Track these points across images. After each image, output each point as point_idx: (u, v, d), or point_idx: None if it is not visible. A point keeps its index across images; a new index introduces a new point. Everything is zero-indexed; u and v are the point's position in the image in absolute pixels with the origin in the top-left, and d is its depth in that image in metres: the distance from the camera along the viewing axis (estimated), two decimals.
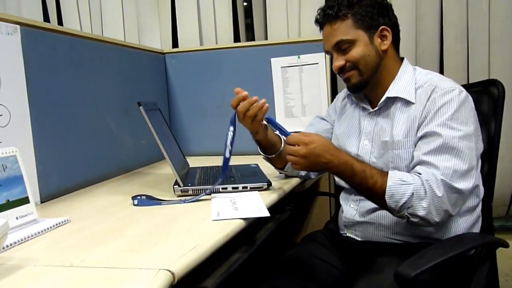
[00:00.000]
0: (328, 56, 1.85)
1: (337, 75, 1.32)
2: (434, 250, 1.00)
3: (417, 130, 1.17)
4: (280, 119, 1.97)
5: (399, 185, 1.08)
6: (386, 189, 1.09)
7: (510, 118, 1.70)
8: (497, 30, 1.85)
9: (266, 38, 2.15)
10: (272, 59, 1.96)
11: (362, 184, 1.12)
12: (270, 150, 1.33)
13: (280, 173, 1.44)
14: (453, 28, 1.89)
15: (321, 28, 1.28)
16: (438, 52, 1.94)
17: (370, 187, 1.11)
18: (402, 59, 1.29)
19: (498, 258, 1.28)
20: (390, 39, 1.24)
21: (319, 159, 1.12)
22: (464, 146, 1.10)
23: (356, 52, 1.21)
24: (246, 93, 1.20)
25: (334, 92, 2.03)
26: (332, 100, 1.92)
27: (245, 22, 2.27)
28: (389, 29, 1.23)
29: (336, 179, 1.39)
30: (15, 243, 0.86)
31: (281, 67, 1.96)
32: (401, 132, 1.19)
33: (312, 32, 2.03)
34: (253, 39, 2.22)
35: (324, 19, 1.25)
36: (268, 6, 2.11)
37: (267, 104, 1.21)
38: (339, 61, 1.23)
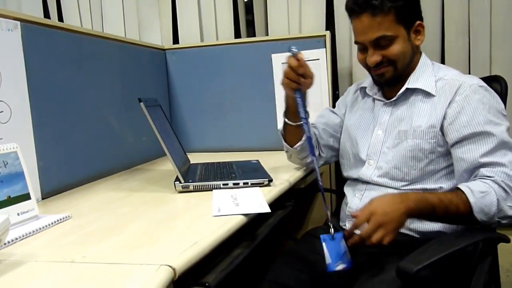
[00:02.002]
0: (329, 52, 1.85)
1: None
2: (436, 245, 1.00)
3: (443, 121, 1.17)
4: (281, 115, 1.97)
5: (482, 198, 1.06)
6: (472, 206, 1.05)
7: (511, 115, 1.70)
8: (499, 25, 1.84)
9: (267, 34, 2.14)
10: (273, 55, 1.95)
11: (445, 214, 1.07)
12: (293, 117, 1.33)
13: (288, 154, 1.46)
14: (455, 23, 1.88)
15: (355, 16, 1.21)
16: (439, 48, 1.93)
17: (454, 213, 1.07)
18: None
19: (499, 254, 1.28)
20: (423, 34, 1.24)
21: (395, 214, 1.03)
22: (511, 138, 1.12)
23: (396, 48, 1.20)
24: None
25: (335, 88, 2.03)
26: (333, 97, 1.92)
27: (246, 18, 2.27)
28: (423, 24, 1.24)
29: (344, 173, 1.40)
30: (16, 239, 0.86)
31: (282, 63, 1.94)
32: (423, 123, 1.19)
33: (313, 28, 2.03)
34: (254, 35, 2.21)
35: (366, 8, 1.18)
36: (268, 2, 2.10)
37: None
38: (377, 57, 1.21)
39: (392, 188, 1.24)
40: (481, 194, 1.06)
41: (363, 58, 1.25)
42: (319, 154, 1.47)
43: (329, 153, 1.48)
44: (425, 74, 1.24)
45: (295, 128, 1.34)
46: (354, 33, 1.26)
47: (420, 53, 1.29)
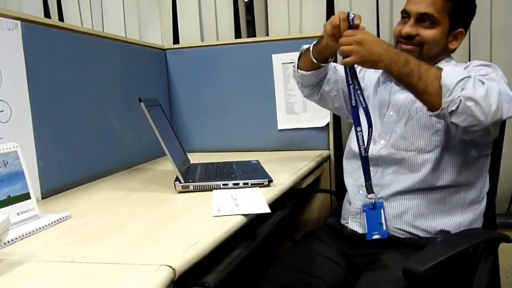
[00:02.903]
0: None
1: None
2: (441, 246, 1.00)
3: None
4: (281, 115, 1.97)
5: (457, 68, 1.08)
6: (444, 69, 1.05)
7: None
8: (499, 25, 1.84)
9: (267, 34, 2.14)
10: (273, 55, 1.95)
11: (414, 70, 1.07)
12: (316, 54, 1.35)
13: (293, 70, 1.49)
14: None
15: None
16: None
17: (425, 71, 1.07)
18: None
19: (499, 255, 1.28)
20: (459, 44, 1.27)
21: (376, 47, 1.09)
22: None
23: (432, 33, 1.22)
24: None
25: None
26: None
27: (246, 18, 2.26)
28: (464, 34, 1.26)
29: (352, 145, 1.38)
30: (16, 238, 0.86)
31: (282, 63, 1.95)
32: None
33: (314, 28, 2.03)
34: (254, 35, 2.21)
35: None
36: (269, 2, 2.10)
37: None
38: (413, 30, 1.23)
39: (398, 163, 1.24)
40: (458, 67, 1.10)
41: (399, 29, 1.27)
42: (313, 93, 1.51)
43: (321, 100, 1.51)
44: (447, 65, 1.25)
45: (311, 62, 1.37)
46: (407, 1, 1.28)
47: (450, 56, 1.31)
